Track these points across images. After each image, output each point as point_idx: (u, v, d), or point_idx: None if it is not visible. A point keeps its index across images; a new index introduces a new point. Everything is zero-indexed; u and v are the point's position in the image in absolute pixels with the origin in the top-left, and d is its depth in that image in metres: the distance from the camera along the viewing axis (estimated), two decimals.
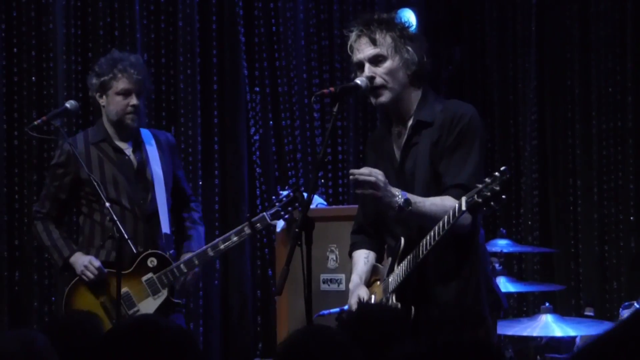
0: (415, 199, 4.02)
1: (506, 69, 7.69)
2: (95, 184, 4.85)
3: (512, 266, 7.33)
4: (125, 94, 5.21)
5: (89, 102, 6.61)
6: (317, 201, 6.27)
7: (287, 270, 4.00)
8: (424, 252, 4.04)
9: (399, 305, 4.17)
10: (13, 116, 6.48)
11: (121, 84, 5.20)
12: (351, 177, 4.02)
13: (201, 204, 5.77)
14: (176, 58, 6.95)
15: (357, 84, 4.20)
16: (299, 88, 7.38)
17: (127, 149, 5.29)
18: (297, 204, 5.23)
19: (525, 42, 7.56)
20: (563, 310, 6.45)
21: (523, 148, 7.54)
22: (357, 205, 4.79)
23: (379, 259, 4.47)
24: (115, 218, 4.71)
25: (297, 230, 3.95)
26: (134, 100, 5.22)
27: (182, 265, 5.18)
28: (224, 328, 7.09)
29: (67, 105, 5.16)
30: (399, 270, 4.20)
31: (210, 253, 5.21)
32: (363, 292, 4.35)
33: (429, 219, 4.01)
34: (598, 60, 7.24)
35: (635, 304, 5.36)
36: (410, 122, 4.28)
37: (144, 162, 5.29)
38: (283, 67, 7.35)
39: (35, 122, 5.08)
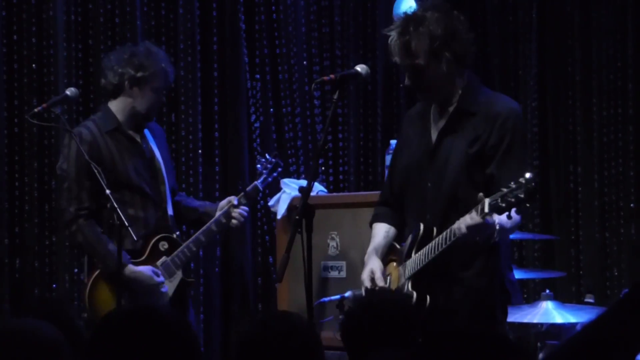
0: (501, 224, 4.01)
1: (507, 56, 7.68)
2: (96, 171, 4.85)
3: (513, 253, 7.33)
4: (159, 92, 5.29)
5: (90, 88, 6.64)
6: (318, 188, 6.28)
7: (288, 257, 4.01)
8: (444, 246, 4.03)
9: (414, 294, 4.16)
10: (13, 103, 6.47)
11: (160, 82, 5.27)
12: None
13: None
14: (176, 45, 6.94)
15: (357, 71, 4.20)
16: (300, 75, 7.37)
17: (136, 137, 5.33)
18: (279, 169, 5.48)
19: (526, 29, 7.55)
20: (563, 297, 6.45)
21: None
22: (357, 193, 4.80)
23: (399, 237, 4.43)
24: (116, 205, 4.72)
25: (297, 217, 3.96)
26: (163, 98, 5.37)
27: (191, 245, 5.28)
28: (225, 315, 7.10)
29: (68, 92, 5.16)
30: (417, 258, 4.17)
31: (214, 228, 5.33)
32: (377, 266, 4.31)
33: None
34: (599, 47, 7.23)
35: None
36: (452, 108, 4.23)
37: (152, 151, 5.34)
38: (283, 54, 7.34)
39: (36, 110, 5.08)
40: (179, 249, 5.27)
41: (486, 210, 3.78)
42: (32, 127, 6.34)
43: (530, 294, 7.22)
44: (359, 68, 4.21)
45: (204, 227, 5.31)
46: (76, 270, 6.50)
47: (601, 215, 7.18)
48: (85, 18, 6.68)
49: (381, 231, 4.45)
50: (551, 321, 5.32)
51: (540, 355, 5.66)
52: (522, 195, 3.71)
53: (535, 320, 5.32)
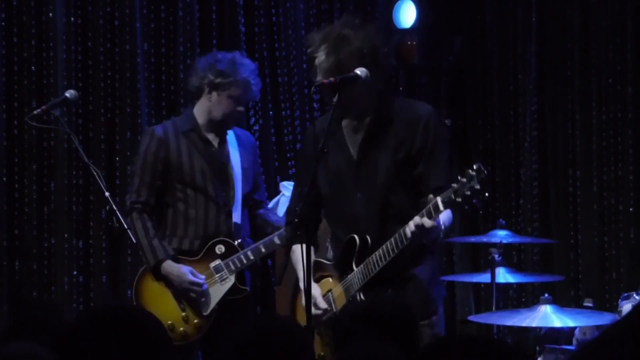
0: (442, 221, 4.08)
1: (506, 59, 7.67)
2: (95, 174, 4.85)
3: (512, 257, 7.33)
4: (238, 101, 5.32)
5: (89, 91, 6.64)
6: None
7: (287, 260, 4.03)
8: (396, 251, 4.09)
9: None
10: (13, 106, 6.47)
11: (238, 90, 5.31)
12: None
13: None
14: (176, 48, 6.94)
15: (357, 74, 4.20)
16: (299, 78, 7.37)
17: (214, 141, 5.39)
18: None
19: (525, 32, 7.54)
20: (562, 301, 6.45)
21: (523, 139, 7.53)
22: None
23: (315, 251, 4.50)
24: (115, 208, 4.73)
25: (296, 220, 3.97)
26: (242, 108, 5.37)
27: (249, 253, 5.31)
28: None
29: (67, 94, 5.16)
30: (364, 268, 4.23)
31: (277, 241, 5.33)
32: (317, 291, 4.39)
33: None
34: (598, 50, 7.23)
35: (635, 295, 5.36)
36: (368, 119, 4.30)
37: (227, 157, 5.39)
38: (283, 57, 7.34)
39: (35, 112, 5.09)
40: (235, 255, 5.31)
41: (441, 208, 3.85)
42: (31, 130, 6.34)
43: (529, 298, 7.22)
44: (359, 71, 4.21)
45: (266, 238, 5.35)
46: (75, 273, 6.50)
47: (600, 219, 7.17)
48: (85, 20, 6.68)
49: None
50: (550, 325, 5.32)
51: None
52: (477, 187, 3.76)
53: (534, 324, 5.33)
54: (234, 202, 5.37)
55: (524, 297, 7.36)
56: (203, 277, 5.28)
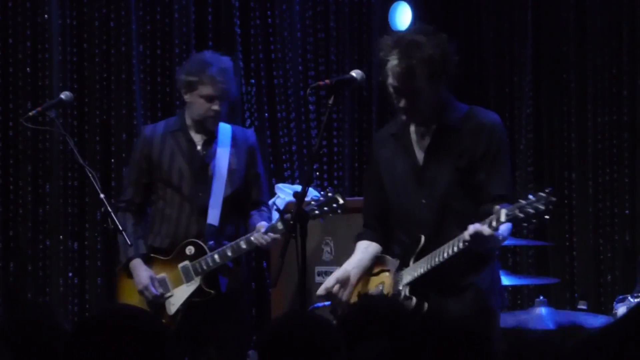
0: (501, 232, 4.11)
1: (502, 62, 7.68)
2: (90, 175, 4.86)
3: (507, 259, 7.33)
4: (209, 99, 5.26)
5: (85, 92, 6.64)
6: (312, 194, 6.26)
7: (282, 262, 4.04)
8: (451, 254, 4.11)
9: (414, 299, 4.25)
10: (8, 107, 6.47)
11: (206, 89, 5.25)
12: None
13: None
14: (172, 49, 6.93)
15: (352, 76, 4.21)
16: (295, 80, 7.37)
17: (199, 142, 5.37)
18: (334, 205, 4.88)
19: (521, 35, 7.55)
20: (557, 303, 6.46)
21: (518, 141, 7.53)
22: (351, 198, 4.83)
23: (384, 250, 4.54)
24: (110, 210, 4.73)
25: (291, 222, 3.98)
26: (216, 106, 5.27)
27: (215, 256, 5.26)
28: None
29: (62, 96, 5.18)
30: (417, 265, 4.26)
31: (243, 245, 5.26)
32: (335, 276, 4.48)
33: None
34: (594, 53, 7.23)
35: (629, 298, 5.36)
36: (435, 125, 4.31)
37: (210, 157, 5.36)
38: (279, 59, 7.34)
39: (30, 113, 5.11)
40: (201, 257, 5.28)
41: (502, 219, 3.89)
42: (27, 131, 6.34)
43: (524, 300, 7.22)
44: (354, 73, 4.21)
45: (233, 242, 5.28)
46: (70, 274, 6.50)
47: (595, 222, 7.17)
48: (80, 22, 6.68)
49: (360, 247, 4.59)
50: (545, 327, 5.33)
51: None
52: (542, 207, 3.80)
53: (529, 327, 5.33)
54: (210, 204, 5.35)
55: (519, 300, 7.36)
56: (162, 276, 5.29)
